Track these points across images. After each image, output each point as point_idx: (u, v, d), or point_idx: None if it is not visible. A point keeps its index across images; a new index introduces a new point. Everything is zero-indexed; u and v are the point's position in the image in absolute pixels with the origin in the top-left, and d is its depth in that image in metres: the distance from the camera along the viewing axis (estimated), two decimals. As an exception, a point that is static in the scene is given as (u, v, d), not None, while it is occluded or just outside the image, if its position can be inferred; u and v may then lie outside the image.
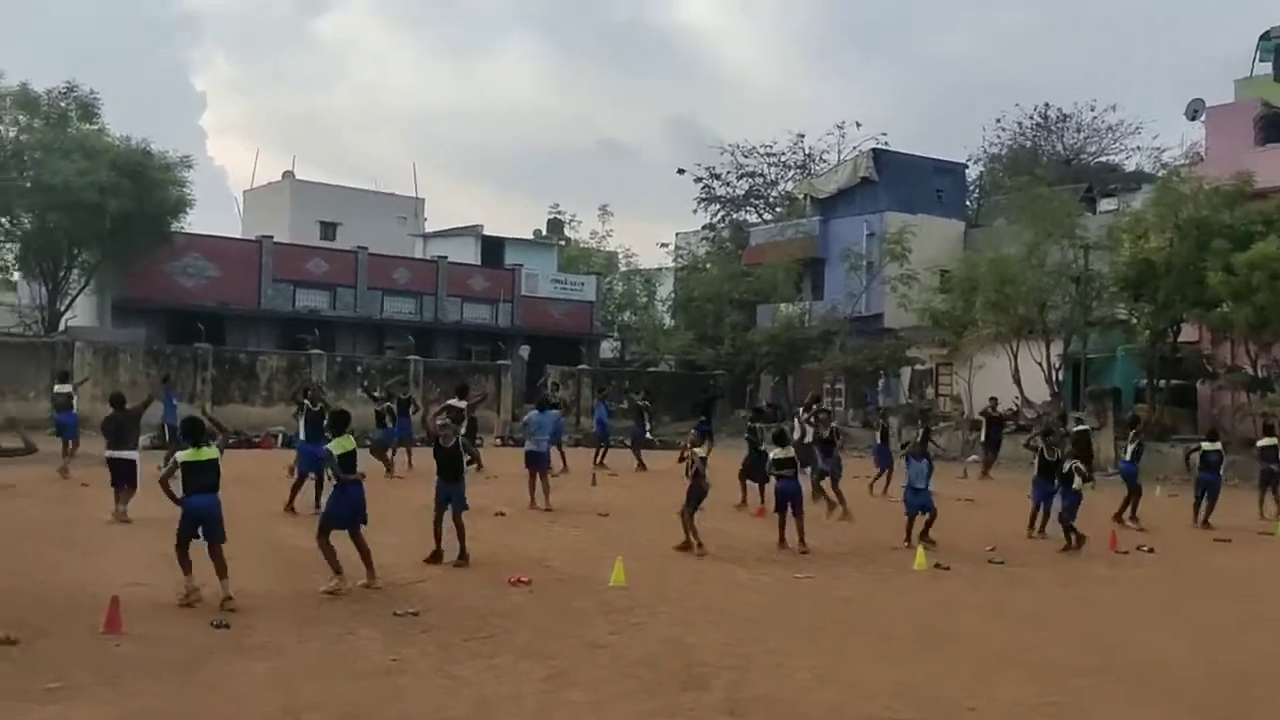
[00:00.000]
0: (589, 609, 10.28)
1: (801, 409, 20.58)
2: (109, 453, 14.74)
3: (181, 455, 10.09)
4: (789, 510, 13.88)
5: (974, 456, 29.89)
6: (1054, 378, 32.50)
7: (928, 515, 14.26)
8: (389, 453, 21.06)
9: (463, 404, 19.95)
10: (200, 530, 9.90)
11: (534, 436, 17.60)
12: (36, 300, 37.00)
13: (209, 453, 10.10)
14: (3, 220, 35.27)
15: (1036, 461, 15.99)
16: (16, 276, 39.69)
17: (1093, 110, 53.72)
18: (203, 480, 9.92)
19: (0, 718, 6.75)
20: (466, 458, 12.79)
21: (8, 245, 36.39)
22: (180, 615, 9.38)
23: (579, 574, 11.92)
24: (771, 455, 14.29)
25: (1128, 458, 18.03)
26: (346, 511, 10.62)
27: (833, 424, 19.48)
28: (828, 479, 17.25)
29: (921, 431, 17.59)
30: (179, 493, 9.93)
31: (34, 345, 32.17)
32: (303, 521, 14.64)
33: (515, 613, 10.05)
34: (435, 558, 12.07)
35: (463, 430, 15.85)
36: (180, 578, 9.88)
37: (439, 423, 12.98)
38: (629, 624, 9.74)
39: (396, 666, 8.17)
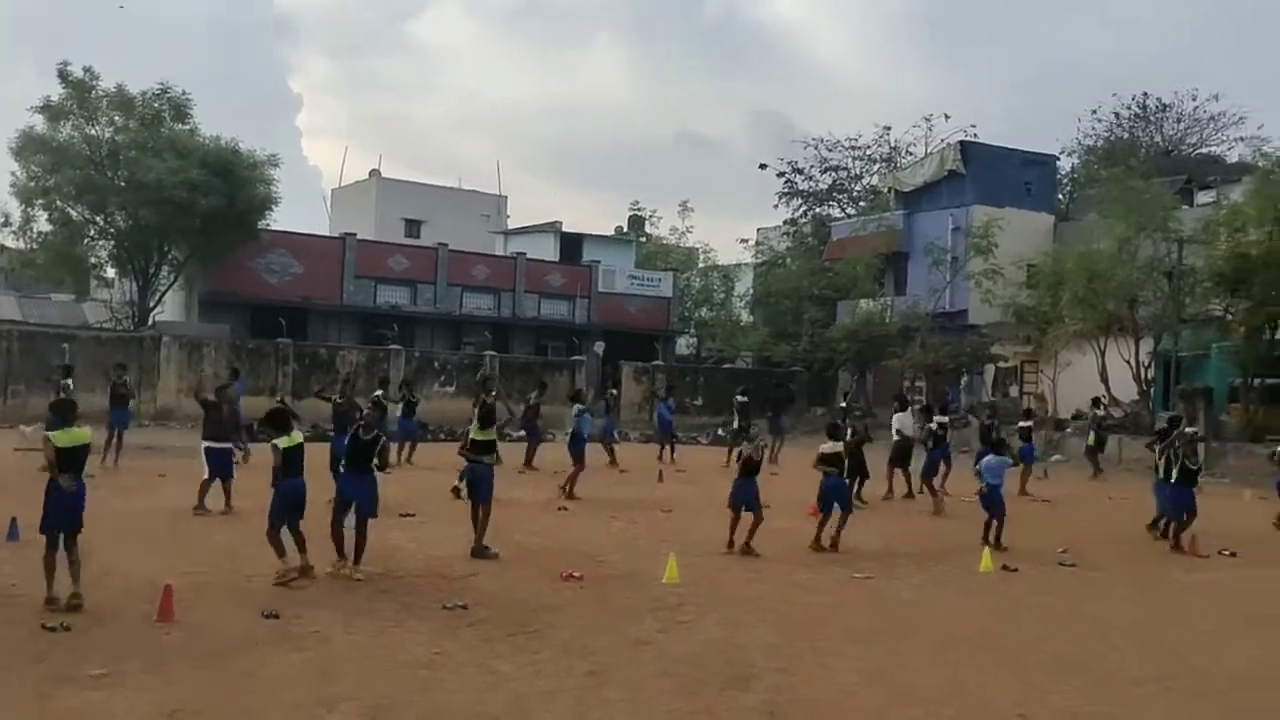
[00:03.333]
0: (638, 605, 10.16)
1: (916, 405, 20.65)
2: (208, 443, 14.96)
3: (280, 442, 10.67)
4: (833, 507, 13.54)
5: (1057, 456, 29.12)
6: (1143, 376, 31.48)
7: (996, 516, 13.88)
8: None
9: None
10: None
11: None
12: (127, 296, 38.14)
13: (298, 438, 10.84)
14: (97, 218, 36.39)
15: (1171, 467, 14.71)
16: (110, 272, 40.93)
17: (1194, 100, 52.14)
18: (296, 464, 10.67)
19: (42, 702, 6.86)
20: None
21: (101, 242, 37.54)
22: (232, 604, 9.48)
23: (632, 570, 11.82)
24: (820, 449, 13.85)
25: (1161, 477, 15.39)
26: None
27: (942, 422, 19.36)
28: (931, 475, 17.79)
29: (982, 428, 17.11)
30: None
31: (124, 339, 33.16)
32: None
33: (564, 608, 9.98)
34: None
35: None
36: (275, 561, 10.36)
37: None
38: (676, 622, 9.60)
39: (438, 659, 8.15)
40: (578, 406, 19.35)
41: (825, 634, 9.38)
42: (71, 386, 19.19)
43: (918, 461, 18.98)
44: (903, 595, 11.27)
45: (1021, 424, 22.63)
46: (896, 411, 19.86)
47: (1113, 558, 13.89)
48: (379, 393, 19.25)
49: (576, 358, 40.29)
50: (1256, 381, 29.37)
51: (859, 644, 9.10)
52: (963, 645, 9.20)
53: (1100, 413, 26.24)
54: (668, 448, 25.38)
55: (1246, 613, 11.10)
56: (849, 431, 16.78)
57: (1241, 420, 28.91)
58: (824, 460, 13.59)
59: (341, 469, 11.23)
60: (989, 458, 14.37)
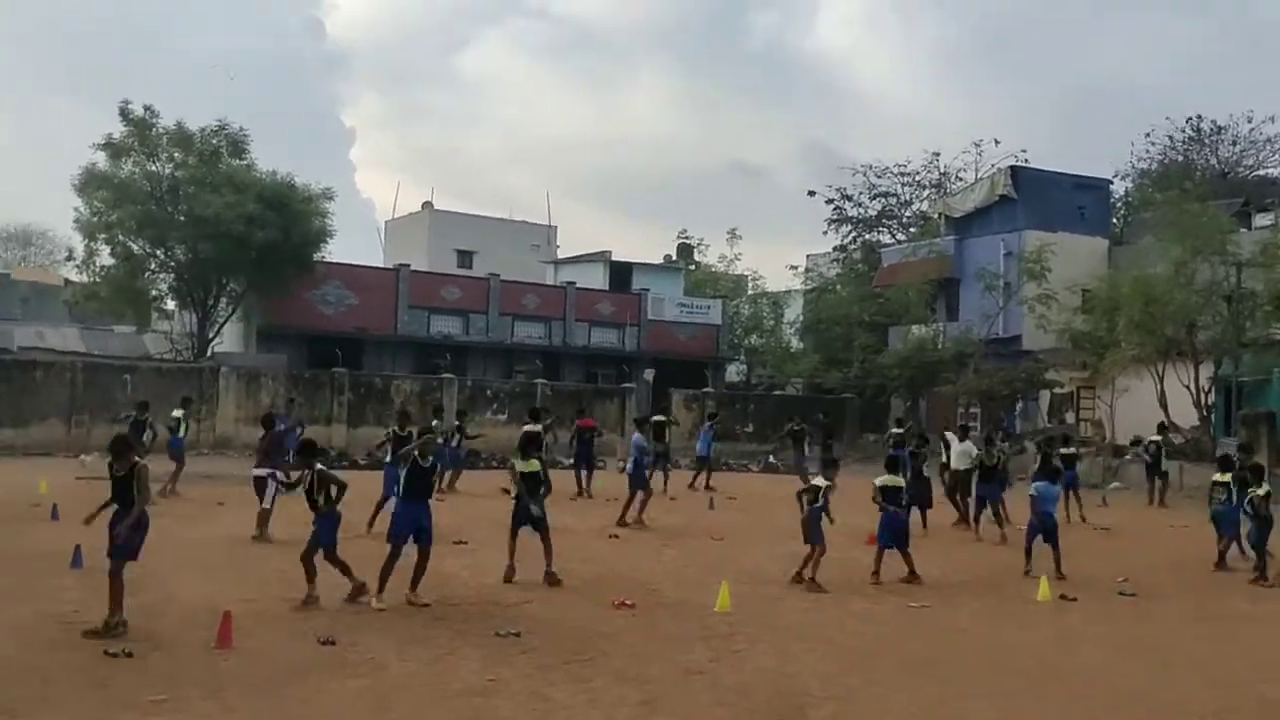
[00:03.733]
0: (690, 634, 10.13)
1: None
2: (257, 471, 15.22)
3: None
4: (892, 543, 13.25)
5: (1115, 483, 28.63)
6: (1203, 401, 30.90)
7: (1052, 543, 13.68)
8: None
9: (537, 428, 19.81)
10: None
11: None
12: (187, 328, 38.90)
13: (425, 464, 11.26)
14: (158, 252, 37.22)
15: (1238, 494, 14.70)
16: (171, 305, 41.79)
17: (1250, 122, 51.32)
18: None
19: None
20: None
21: (162, 275, 38.38)
22: (289, 631, 9.59)
23: (684, 598, 11.78)
24: (877, 483, 13.48)
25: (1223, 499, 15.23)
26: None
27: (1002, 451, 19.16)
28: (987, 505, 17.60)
29: (1041, 456, 16.81)
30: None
31: (184, 370, 33.80)
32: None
33: (616, 636, 9.98)
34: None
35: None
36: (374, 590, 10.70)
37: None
38: (729, 651, 9.56)
39: (492, 687, 8.18)
40: (638, 435, 19.21)
41: (880, 664, 9.29)
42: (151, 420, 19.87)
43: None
44: (959, 625, 11.13)
45: (1063, 450, 21.82)
46: (958, 440, 19.63)
47: (1174, 587, 13.63)
48: (435, 422, 19.42)
49: (626, 385, 40.41)
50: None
51: (914, 674, 9.00)
52: (1020, 676, 9.06)
53: (1158, 438, 25.49)
54: (702, 475, 25.20)
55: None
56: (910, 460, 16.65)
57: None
58: (885, 495, 13.27)
59: (399, 497, 11.33)
60: (1043, 484, 14.17)
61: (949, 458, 19.77)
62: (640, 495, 17.63)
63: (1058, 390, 38.19)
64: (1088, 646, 10.30)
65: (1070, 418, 38.35)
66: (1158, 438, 25.31)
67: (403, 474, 11.27)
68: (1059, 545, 13.89)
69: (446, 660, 8.92)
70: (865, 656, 9.55)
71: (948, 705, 8.12)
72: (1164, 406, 30.56)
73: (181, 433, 20.26)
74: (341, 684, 8.09)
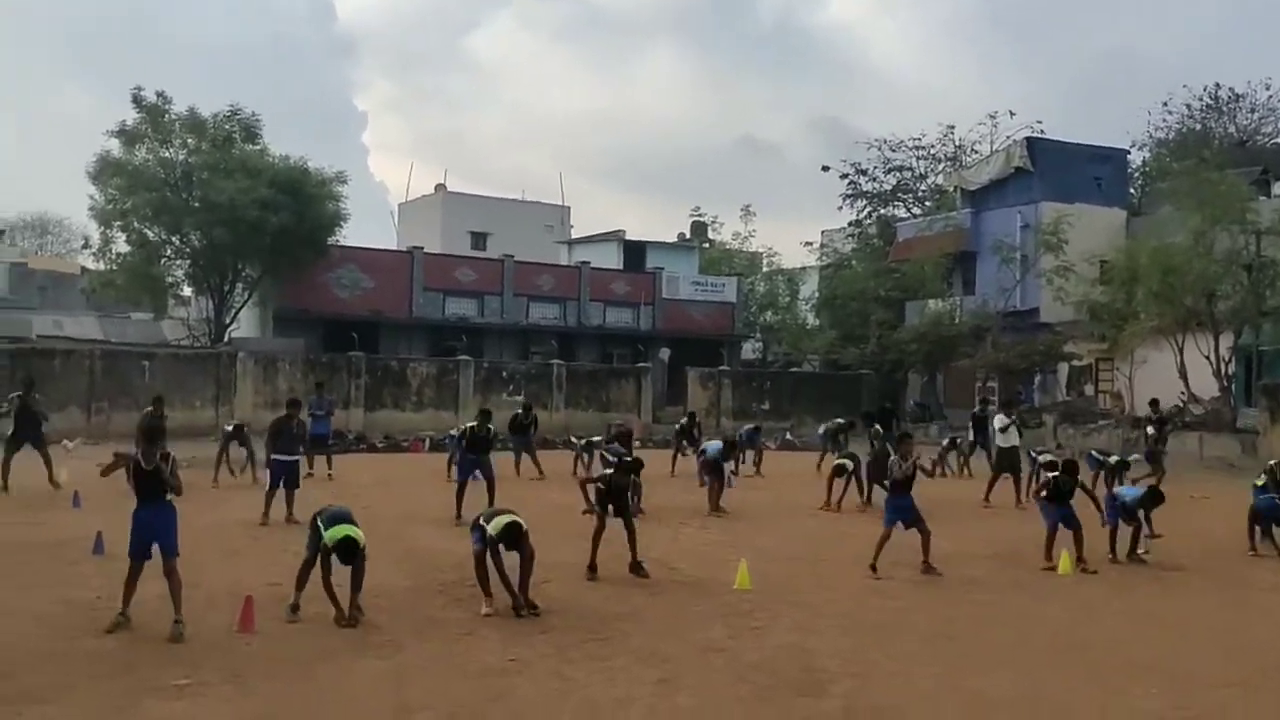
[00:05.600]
0: (709, 612, 10.14)
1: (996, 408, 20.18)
2: (277, 456, 15.27)
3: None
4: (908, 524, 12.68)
5: (1135, 455, 28.43)
6: (1223, 371, 30.69)
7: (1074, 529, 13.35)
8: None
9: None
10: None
11: None
12: (203, 313, 39.07)
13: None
14: (174, 238, 37.33)
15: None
16: (187, 291, 41.96)
17: (1268, 89, 50.86)
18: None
19: (129, 712, 7.04)
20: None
21: (178, 262, 38.50)
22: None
23: (703, 576, 11.80)
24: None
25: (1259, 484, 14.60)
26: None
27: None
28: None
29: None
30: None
31: (201, 356, 33.95)
32: (438, 523, 15.03)
33: (636, 615, 9.99)
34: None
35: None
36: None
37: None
38: (748, 628, 9.57)
39: (512, 667, 8.21)
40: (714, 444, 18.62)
41: (900, 639, 9.28)
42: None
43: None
44: (979, 599, 11.10)
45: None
46: (997, 414, 19.54)
47: (1195, 558, 13.54)
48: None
49: (642, 364, 40.39)
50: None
51: (934, 649, 8.99)
52: (1040, 649, 9.04)
53: (1154, 414, 23.25)
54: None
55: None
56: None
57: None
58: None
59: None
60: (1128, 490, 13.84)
61: (980, 438, 19.63)
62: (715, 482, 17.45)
63: (1076, 363, 38.00)
64: (1109, 618, 10.28)
65: (1089, 390, 38.16)
66: (1152, 425, 22.73)
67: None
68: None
69: (466, 641, 8.96)
70: (885, 631, 9.55)
71: (969, 679, 8.11)
72: (1184, 377, 30.37)
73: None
74: (364, 666, 8.14)
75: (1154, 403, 23.19)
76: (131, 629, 8.88)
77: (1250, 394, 30.89)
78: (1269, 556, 13.64)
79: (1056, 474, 13.18)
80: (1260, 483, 14.43)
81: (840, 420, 25.96)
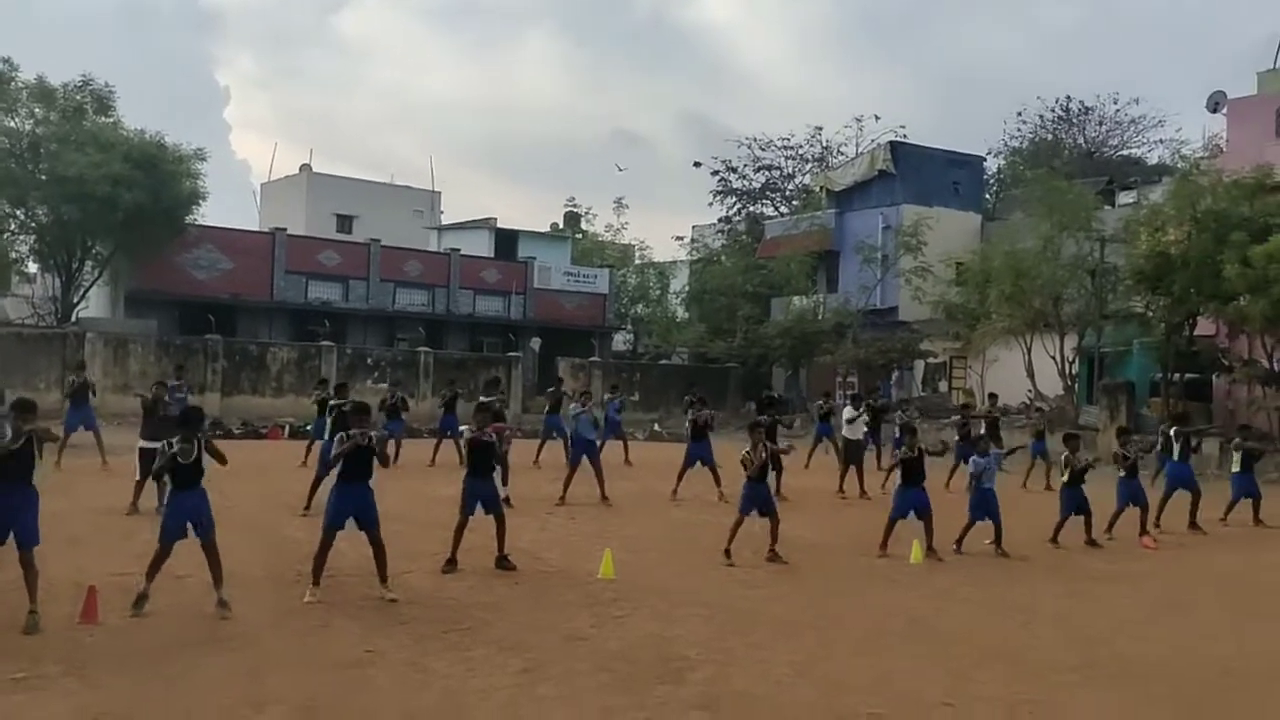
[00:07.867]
0: (573, 601, 10.17)
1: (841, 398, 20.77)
2: (144, 444, 14.56)
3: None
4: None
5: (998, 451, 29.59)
6: (1068, 371, 32.18)
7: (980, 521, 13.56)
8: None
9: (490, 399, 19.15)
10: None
11: None
12: (50, 291, 37.21)
13: None
14: (18, 212, 35.47)
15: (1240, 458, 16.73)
16: (32, 268, 39.92)
17: (1115, 104, 53.41)
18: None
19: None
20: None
21: (22, 237, 36.60)
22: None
23: (568, 566, 11.82)
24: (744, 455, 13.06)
25: (1177, 458, 16.37)
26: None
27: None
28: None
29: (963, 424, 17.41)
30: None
31: (46, 336, 32.34)
32: (297, 514, 14.65)
33: (498, 605, 9.94)
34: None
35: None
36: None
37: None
38: (611, 617, 9.62)
39: (369, 658, 8.07)
40: (575, 406, 18.41)
41: (758, 627, 9.47)
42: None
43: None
44: (835, 588, 11.40)
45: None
46: (844, 407, 20.27)
47: (1038, 548, 14.14)
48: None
49: (513, 354, 40.17)
50: (1175, 376, 30.17)
51: (791, 636, 9.20)
52: (892, 636, 9.34)
53: (985, 407, 24.07)
54: (622, 447, 24.77)
55: (1165, 603, 11.41)
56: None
57: (1162, 413, 29.59)
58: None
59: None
60: (981, 459, 13.78)
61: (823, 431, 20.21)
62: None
63: (932, 360, 39.36)
64: (958, 606, 10.68)
65: (943, 387, 39.54)
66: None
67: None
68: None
69: (322, 633, 8.78)
70: (744, 619, 9.72)
71: (825, 666, 8.33)
72: (1031, 376, 31.73)
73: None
74: (215, 658, 7.90)
75: (993, 396, 24.96)
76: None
77: (1092, 393, 32.44)
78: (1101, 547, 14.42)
79: (909, 454, 13.34)
80: (1065, 479, 14.84)
81: (828, 397, 26.37)
